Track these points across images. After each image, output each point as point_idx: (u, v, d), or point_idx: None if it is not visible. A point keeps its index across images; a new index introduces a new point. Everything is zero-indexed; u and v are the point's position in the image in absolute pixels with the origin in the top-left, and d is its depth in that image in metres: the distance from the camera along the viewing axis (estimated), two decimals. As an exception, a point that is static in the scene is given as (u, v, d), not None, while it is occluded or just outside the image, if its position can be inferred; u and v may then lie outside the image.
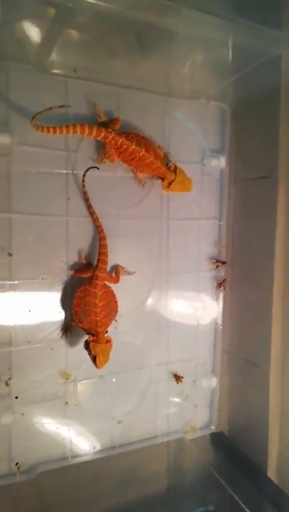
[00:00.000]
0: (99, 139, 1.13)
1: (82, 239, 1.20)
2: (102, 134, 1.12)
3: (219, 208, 1.41)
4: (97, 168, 1.16)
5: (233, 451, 1.42)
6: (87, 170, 1.15)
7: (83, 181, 1.15)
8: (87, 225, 1.20)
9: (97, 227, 1.17)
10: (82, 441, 1.27)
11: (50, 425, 1.22)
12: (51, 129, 1.06)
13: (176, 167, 1.22)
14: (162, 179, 1.23)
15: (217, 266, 1.41)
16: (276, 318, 1.26)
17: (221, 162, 1.36)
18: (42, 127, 1.04)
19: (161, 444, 1.38)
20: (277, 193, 1.22)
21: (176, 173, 1.22)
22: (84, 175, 1.14)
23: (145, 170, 1.20)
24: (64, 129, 1.08)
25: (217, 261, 1.40)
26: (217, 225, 1.42)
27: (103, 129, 1.12)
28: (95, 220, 1.17)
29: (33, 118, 1.01)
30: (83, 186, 1.15)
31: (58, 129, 1.07)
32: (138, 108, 1.24)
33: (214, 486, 1.30)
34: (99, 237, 1.16)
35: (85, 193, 1.15)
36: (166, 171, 1.21)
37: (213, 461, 1.39)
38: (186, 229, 1.37)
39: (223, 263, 1.41)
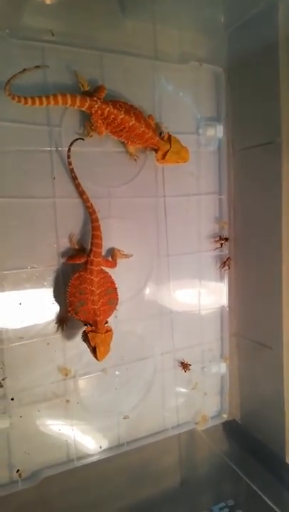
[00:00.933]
0: (83, 109, 1.03)
1: (72, 222, 1.10)
2: (87, 104, 1.01)
3: (219, 181, 1.31)
4: (83, 140, 1.05)
5: (247, 439, 1.35)
6: (71, 143, 1.04)
7: (69, 157, 1.04)
8: (76, 206, 1.10)
9: (88, 208, 1.07)
10: (87, 441, 1.19)
11: (52, 426, 1.13)
12: (29, 100, 0.95)
13: (170, 136, 1.12)
14: (156, 151, 1.13)
15: (221, 244, 1.31)
16: (287, 294, 1.18)
17: (218, 131, 1.26)
18: (19, 97, 0.93)
19: (171, 437, 1.31)
20: (282, 159, 1.12)
21: (170, 143, 1.11)
22: (69, 150, 1.04)
23: (136, 141, 1.09)
24: (44, 100, 0.97)
25: (220, 238, 1.30)
26: (217, 199, 1.32)
27: (87, 98, 1.01)
28: (85, 201, 1.06)
29: (7, 84, 0.90)
30: (69, 163, 1.04)
31: (37, 100, 0.96)
32: (124, 74, 1.13)
33: (231, 477, 1.25)
34: (91, 218, 1.06)
35: (71, 171, 1.05)
36: (159, 141, 1.11)
37: (227, 451, 1.32)
38: (184, 206, 1.27)
39: (226, 239, 1.31)
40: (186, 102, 1.23)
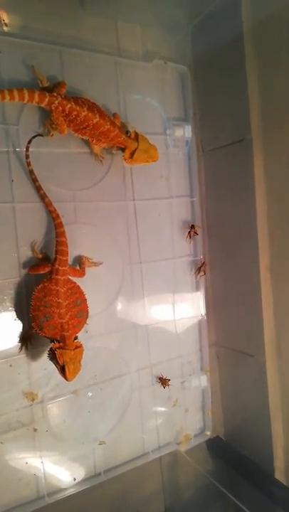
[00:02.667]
0: (42, 105, 0.95)
1: (34, 228, 1.01)
2: (46, 100, 0.94)
3: (190, 183, 1.26)
4: (42, 136, 0.96)
5: (233, 456, 1.27)
6: (29, 141, 0.95)
7: (27, 157, 0.95)
8: (38, 211, 1.01)
9: (51, 213, 0.98)
10: (59, 474, 1.07)
11: (18, 460, 1.01)
12: None
13: (137, 134, 1.06)
14: (123, 150, 1.06)
15: (190, 235, 1.24)
16: (266, 298, 1.13)
17: (186, 131, 1.22)
18: None
19: (152, 461, 1.21)
20: (253, 156, 1.09)
21: (138, 141, 1.05)
22: (27, 149, 0.95)
23: (102, 140, 1.02)
24: None
25: (193, 227, 1.23)
26: (189, 202, 1.26)
27: (46, 94, 0.94)
28: (48, 205, 0.98)
29: None
30: (28, 164, 0.96)
31: None
32: (85, 71, 1.07)
33: (218, 499, 1.17)
34: (54, 224, 0.97)
35: (31, 172, 0.96)
36: (126, 139, 1.04)
37: (213, 472, 1.24)
38: (155, 210, 1.21)
39: (194, 229, 1.24)
40: (153, 101, 1.18)
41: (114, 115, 1.07)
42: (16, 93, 0.91)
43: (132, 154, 1.06)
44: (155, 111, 1.19)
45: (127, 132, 1.07)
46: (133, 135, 1.06)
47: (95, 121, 0.97)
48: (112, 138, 1.02)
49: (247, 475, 1.21)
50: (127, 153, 1.06)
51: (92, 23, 1.07)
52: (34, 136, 0.95)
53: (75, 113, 0.96)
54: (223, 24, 1.06)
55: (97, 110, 0.99)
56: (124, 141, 1.04)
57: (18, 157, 0.98)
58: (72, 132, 1.00)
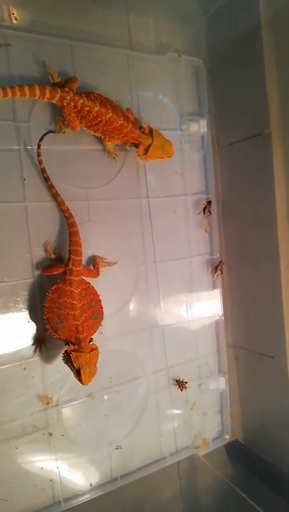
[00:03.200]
0: (54, 101, 0.92)
1: (47, 228, 0.98)
2: (58, 95, 0.91)
3: (205, 179, 1.22)
4: (54, 132, 0.93)
5: (253, 461, 1.23)
6: (41, 139, 0.92)
7: (39, 155, 0.93)
8: (51, 210, 0.98)
9: (64, 212, 0.95)
10: (75, 479, 1.05)
11: (33, 465, 0.99)
12: None
13: (151, 129, 1.03)
14: (137, 146, 1.03)
15: (205, 210, 1.19)
16: (287, 298, 1.08)
17: (201, 126, 1.18)
18: None
19: (170, 466, 1.18)
20: (272, 150, 1.05)
21: (152, 136, 1.02)
22: (38, 147, 0.92)
23: (115, 136, 0.99)
24: (8, 91, 0.86)
25: (209, 203, 1.19)
26: (205, 199, 1.22)
27: (58, 89, 0.91)
28: (60, 204, 0.95)
29: None
30: (39, 162, 0.93)
31: (0, 91, 0.85)
32: (97, 66, 1.04)
33: (238, 504, 1.13)
34: (67, 223, 0.95)
35: (43, 171, 0.93)
36: (140, 135, 1.01)
37: (232, 476, 1.20)
38: (170, 207, 1.17)
39: (208, 205, 1.20)
40: (166, 96, 1.14)
41: (128, 110, 1.04)
42: (26, 89, 0.88)
43: (146, 150, 1.02)
44: (169, 105, 1.16)
45: (140, 128, 1.04)
46: (147, 130, 1.03)
47: (107, 116, 0.94)
48: (126, 134, 0.99)
49: (267, 480, 1.17)
50: (142, 149, 1.02)
51: (103, 16, 1.04)
52: (45, 134, 0.93)
53: (87, 109, 0.93)
54: (239, 14, 1.02)
55: (110, 105, 0.96)
56: (138, 137, 1.01)
57: (29, 155, 0.95)
58: (85, 129, 0.97)
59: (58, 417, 1.00)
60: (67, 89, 0.92)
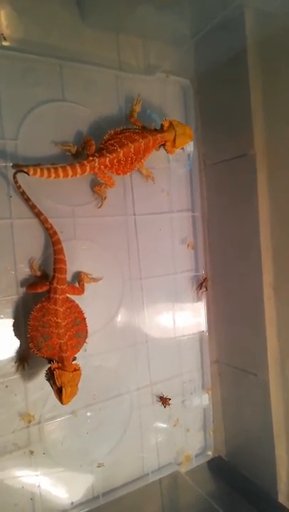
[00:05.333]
0: (86, 174, 0.96)
1: (32, 245, 0.98)
2: (88, 168, 0.95)
3: (191, 197, 1.24)
4: (28, 174, 0.90)
5: (235, 477, 1.24)
6: (14, 175, 0.89)
7: (16, 182, 0.90)
8: (36, 227, 0.98)
9: (48, 230, 0.95)
10: (56, 497, 1.03)
11: (13, 483, 0.97)
12: (31, 169, 0.89)
13: (170, 122, 1.05)
14: (164, 145, 1.06)
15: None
16: (270, 315, 1.10)
17: (188, 145, 1.19)
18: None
19: (152, 483, 1.17)
20: (256, 171, 1.07)
21: (174, 128, 1.05)
22: (14, 177, 0.90)
23: (147, 155, 1.03)
24: (45, 172, 0.91)
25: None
26: (190, 217, 1.23)
27: (85, 162, 0.95)
28: (44, 222, 0.95)
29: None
30: (18, 187, 0.91)
31: (38, 171, 0.90)
32: (86, 85, 1.05)
33: None
34: (52, 241, 0.95)
35: (23, 194, 0.92)
36: (163, 135, 1.04)
37: (214, 494, 1.20)
38: (156, 225, 1.18)
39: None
40: (154, 115, 1.16)
41: (133, 122, 1.06)
42: (60, 171, 0.92)
43: (174, 143, 1.05)
44: (157, 124, 1.17)
45: (161, 126, 1.05)
46: (167, 125, 1.05)
47: (132, 150, 0.98)
48: (152, 146, 1.02)
49: (249, 497, 1.17)
50: (169, 145, 1.06)
51: (92, 35, 1.06)
52: (17, 171, 0.89)
53: (116, 160, 0.97)
54: (226, 38, 1.04)
55: (125, 137, 0.98)
56: (163, 138, 1.04)
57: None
58: (128, 174, 1.04)
59: (39, 435, 1.00)
60: (91, 158, 0.95)
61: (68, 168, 0.93)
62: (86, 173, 0.96)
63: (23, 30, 0.98)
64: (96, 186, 1.02)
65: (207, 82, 1.19)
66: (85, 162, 0.95)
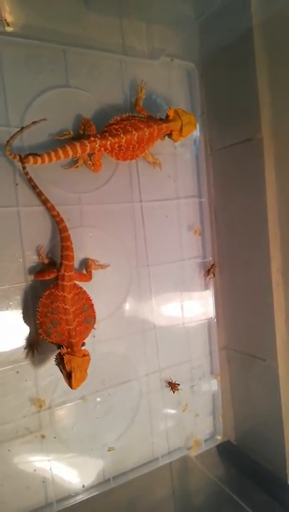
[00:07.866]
0: (87, 153, 0.96)
1: (40, 232, 0.99)
2: (88, 148, 0.95)
3: (198, 183, 1.23)
4: (36, 154, 0.90)
5: (244, 461, 1.25)
6: (22, 161, 0.90)
7: (24, 168, 0.91)
8: (44, 214, 0.99)
9: (55, 218, 0.96)
10: (67, 480, 1.05)
11: (25, 467, 1.00)
12: (31, 158, 0.89)
13: (176, 111, 1.05)
14: (170, 134, 1.06)
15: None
16: (278, 301, 1.10)
17: (193, 131, 1.18)
18: (15, 155, 0.89)
19: (162, 467, 1.19)
20: (263, 155, 1.05)
21: (180, 117, 1.04)
22: (22, 162, 0.90)
23: (151, 144, 1.03)
24: (46, 158, 0.91)
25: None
26: (197, 203, 1.23)
27: (86, 142, 0.94)
28: (50, 209, 0.96)
29: (7, 144, 0.87)
30: (26, 174, 0.92)
31: (38, 159, 0.90)
32: (90, 70, 1.04)
33: (229, 504, 1.13)
34: (58, 228, 0.96)
35: (30, 180, 0.93)
36: (169, 125, 1.04)
37: (224, 477, 1.21)
38: (163, 211, 1.18)
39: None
40: (159, 99, 1.15)
41: (139, 111, 1.05)
42: (60, 152, 0.92)
43: (180, 132, 1.05)
44: (162, 109, 1.16)
45: (167, 116, 1.04)
46: (172, 114, 1.04)
47: (135, 138, 0.97)
48: (158, 134, 1.02)
49: (258, 481, 1.18)
50: (176, 134, 1.05)
51: (96, 20, 1.04)
52: (27, 155, 0.90)
53: (117, 145, 0.96)
54: (231, 19, 1.02)
55: (130, 125, 0.98)
56: (168, 127, 1.03)
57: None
58: (129, 161, 1.03)
59: (50, 420, 1.01)
60: (92, 138, 0.95)
61: (68, 147, 0.92)
62: (86, 153, 0.95)
63: (26, 16, 0.97)
64: (88, 161, 1.00)
65: (212, 65, 1.17)
66: (86, 142, 0.94)
